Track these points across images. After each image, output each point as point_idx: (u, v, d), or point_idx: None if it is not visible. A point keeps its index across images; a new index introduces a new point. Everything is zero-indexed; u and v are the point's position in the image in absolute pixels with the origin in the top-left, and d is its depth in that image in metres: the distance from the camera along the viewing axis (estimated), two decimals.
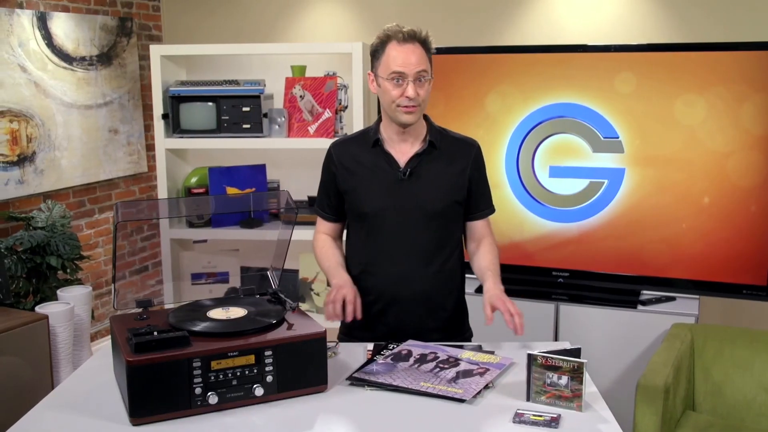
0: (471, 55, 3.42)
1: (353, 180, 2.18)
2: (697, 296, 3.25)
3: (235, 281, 3.76)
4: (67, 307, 3.11)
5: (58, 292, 3.32)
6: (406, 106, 2.05)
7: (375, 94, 2.18)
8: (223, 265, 3.71)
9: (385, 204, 2.14)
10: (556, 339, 3.29)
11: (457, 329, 2.27)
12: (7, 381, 2.78)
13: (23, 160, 3.80)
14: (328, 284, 2.38)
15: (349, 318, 2.04)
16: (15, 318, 2.93)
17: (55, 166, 4.00)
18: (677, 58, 3.10)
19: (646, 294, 3.30)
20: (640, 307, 3.20)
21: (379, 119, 2.21)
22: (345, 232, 2.34)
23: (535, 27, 3.85)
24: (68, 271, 3.51)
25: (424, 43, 2.06)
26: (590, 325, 3.24)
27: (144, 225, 4.69)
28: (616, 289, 3.32)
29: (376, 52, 2.09)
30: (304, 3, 4.37)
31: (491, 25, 3.94)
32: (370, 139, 2.19)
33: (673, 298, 3.27)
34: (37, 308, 3.10)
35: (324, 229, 2.32)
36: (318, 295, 3.58)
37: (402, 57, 2.03)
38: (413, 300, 2.16)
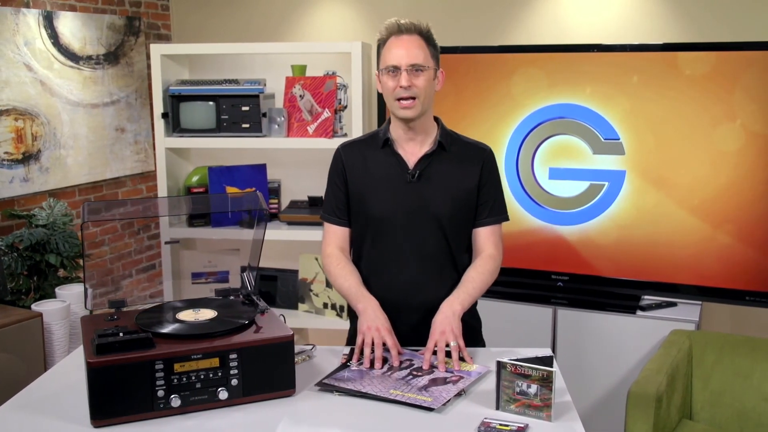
0: (471, 55, 3.37)
1: (362, 182, 2.12)
2: (699, 302, 3.18)
3: (235, 281, 3.76)
4: (63, 305, 3.12)
5: (57, 290, 3.33)
6: (402, 99, 2.00)
7: (376, 94, 2.13)
8: (223, 265, 3.71)
9: (393, 207, 2.08)
10: (553, 344, 3.23)
11: (470, 338, 2.11)
12: (0, 378, 2.79)
13: (28, 158, 3.83)
14: (351, 312, 2.18)
15: (378, 366, 1.90)
16: (9, 315, 2.95)
17: (60, 164, 4.02)
18: (680, 58, 3.03)
19: (647, 299, 3.23)
20: (639, 312, 3.12)
21: (389, 120, 2.15)
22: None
23: (537, 27, 3.79)
24: (68, 269, 3.53)
25: (423, 35, 2.02)
26: (589, 330, 3.18)
27: (151, 223, 4.71)
28: (616, 293, 3.25)
29: (378, 50, 2.08)
30: (312, 1, 4.35)
31: (493, 25, 3.88)
32: (379, 139, 2.13)
33: (674, 304, 3.19)
34: (33, 306, 3.12)
35: (335, 239, 2.18)
36: (317, 296, 3.55)
37: (396, 49, 2.00)
38: (424, 308, 2.07)
